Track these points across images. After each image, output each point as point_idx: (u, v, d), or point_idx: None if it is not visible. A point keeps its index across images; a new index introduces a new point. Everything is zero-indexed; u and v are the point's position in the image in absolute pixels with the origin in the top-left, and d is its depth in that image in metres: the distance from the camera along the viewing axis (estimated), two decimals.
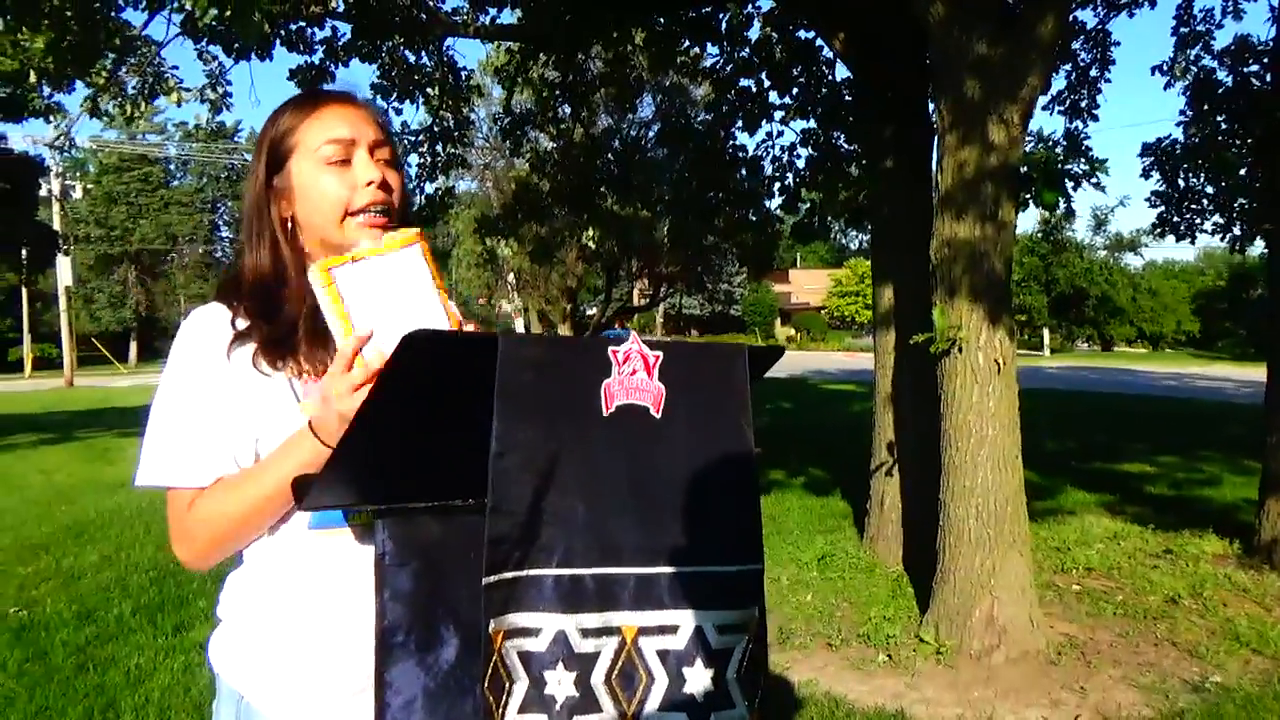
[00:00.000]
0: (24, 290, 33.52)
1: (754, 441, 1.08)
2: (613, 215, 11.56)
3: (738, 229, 11.70)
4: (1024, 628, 3.90)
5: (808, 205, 6.89)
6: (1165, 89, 8.07)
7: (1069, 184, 3.89)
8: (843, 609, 4.54)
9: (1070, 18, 6.69)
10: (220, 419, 1.17)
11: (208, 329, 1.20)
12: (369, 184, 1.24)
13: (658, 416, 1.03)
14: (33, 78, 6.07)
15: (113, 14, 6.23)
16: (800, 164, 7.62)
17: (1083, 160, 3.87)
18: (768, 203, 9.78)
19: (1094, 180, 3.91)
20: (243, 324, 1.20)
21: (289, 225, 1.26)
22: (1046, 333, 38.95)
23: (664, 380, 1.04)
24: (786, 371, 24.08)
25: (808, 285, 51.11)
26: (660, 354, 1.04)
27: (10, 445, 12.00)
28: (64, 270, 30.53)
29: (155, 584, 4.96)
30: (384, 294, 1.11)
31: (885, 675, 3.75)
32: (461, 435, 1.03)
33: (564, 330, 19.40)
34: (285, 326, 1.21)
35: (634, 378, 1.03)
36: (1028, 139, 4.04)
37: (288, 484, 1.11)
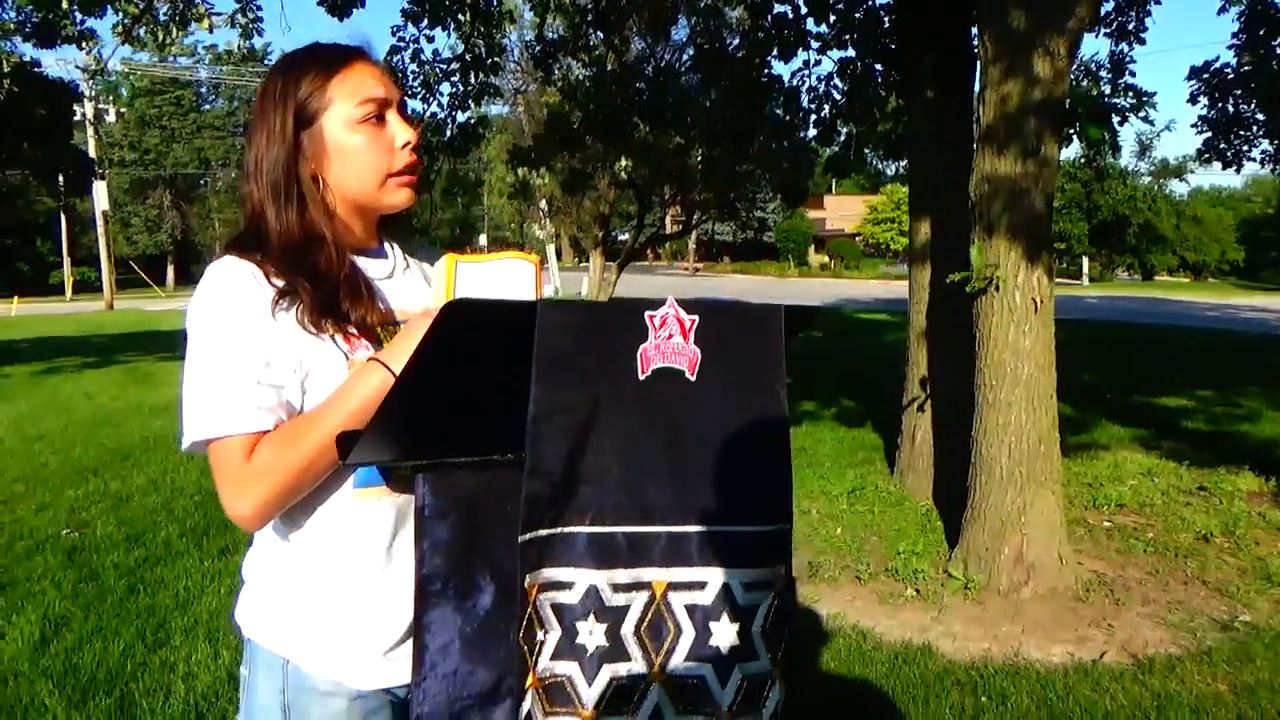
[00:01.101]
0: (62, 214, 33.96)
1: (787, 404, 1.09)
2: (645, 144, 11.42)
3: (771, 159, 11.54)
4: (1053, 565, 3.92)
5: (843, 137, 6.76)
6: (1219, 13, 7.76)
7: (1114, 119, 3.78)
8: (871, 543, 4.59)
9: None
10: (274, 369, 1.13)
11: (245, 285, 1.14)
12: (406, 145, 1.24)
13: (693, 379, 1.04)
14: (64, 4, 6.07)
15: None
16: (836, 95, 7.45)
17: (1129, 95, 3.75)
18: (803, 134, 9.60)
19: (1141, 114, 3.80)
20: (280, 281, 1.16)
21: (318, 183, 1.22)
22: (1086, 261, 38.25)
23: (700, 343, 1.05)
24: (820, 299, 23.94)
25: (842, 212, 50.38)
26: (696, 317, 1.05)
27: (55, 368, 12.30)
28: (100, 194, 30.79)
29: (200, 508, 5.11)
30: (489, 289, 1.16)
31: (913, 609, 3.81)
32: (500, 394, 1.05)
33: (596, 256, 19.35)
34: (328, 287, 1.18)
35: (670, 341, 1.04)
36: (1074, 68, 3.92)
37: (357, 422, 1.09)
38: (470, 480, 1.16)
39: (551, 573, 0.97)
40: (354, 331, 1.18)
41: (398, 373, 1.08)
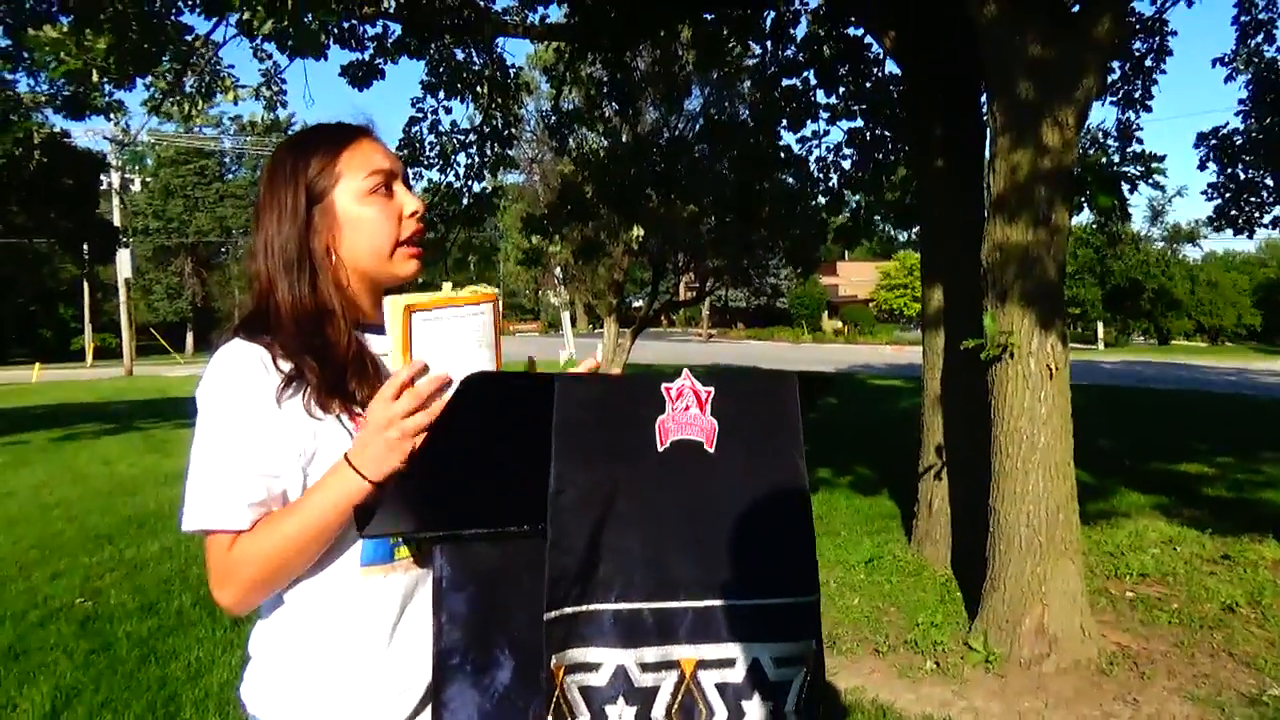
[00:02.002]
0: (86, 282, 34.50)
1: (806, 472, 1.10)
2: (658, 213, 11.56)
3: (781, 228, 11.65)
4: (1075, 636, 3.85)
5: (852, 207, 6.85)
6: (1227, 81, 7.88)
7: (1124, 186, 3.82)
8: (890, 614, 4.53)
9: (1128, 14, 6.55)
10: (270, 463, 1.14)
11: (251, 371, 1.16)
12: (414, 214, 1.28)
13: (711, 451, 1.05)
14: (95, 77, 6.24)
15: (172, 17, 6.39)
16: (846, 165, 7.58)
17: (1138, 162, 3.79)
18: (812, 202, 9.75)
19: (1151, 180, 3.83)
20: (287, 365, 1.17)
21: (330, 257, 1.25)
22: (1101, 326, 38.20)
23: (716, 414, 1.06)
24: (834, 365, 23.91)
25: (855, 278, 50.66)
26: (712, 389, 1.06)
27: (74, 435, 12.37)
28: (124, 262, 31.28)
29: None
30: (448, 342, 1.13)
31: (933, 683, 3.73)
32: (518, 466, 1.06)
33: (610, 323, 19.44)
34: (335, 367, 1.19)
35: (687, 413, 1.05)
36: (1084, 137, 3.97)
37: (328, 519, 1.12)
38: (488, 553, 1.16)
39: (578, 653, 0.96)
40: (359, 411, 1.19)
41: (366, 474, 1.10)
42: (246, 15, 3.91)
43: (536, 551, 1.02)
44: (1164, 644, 4.08)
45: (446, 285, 1.17)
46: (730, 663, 1.00)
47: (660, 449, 1.03)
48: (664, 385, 1.04)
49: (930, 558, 5.29)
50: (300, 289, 1.22)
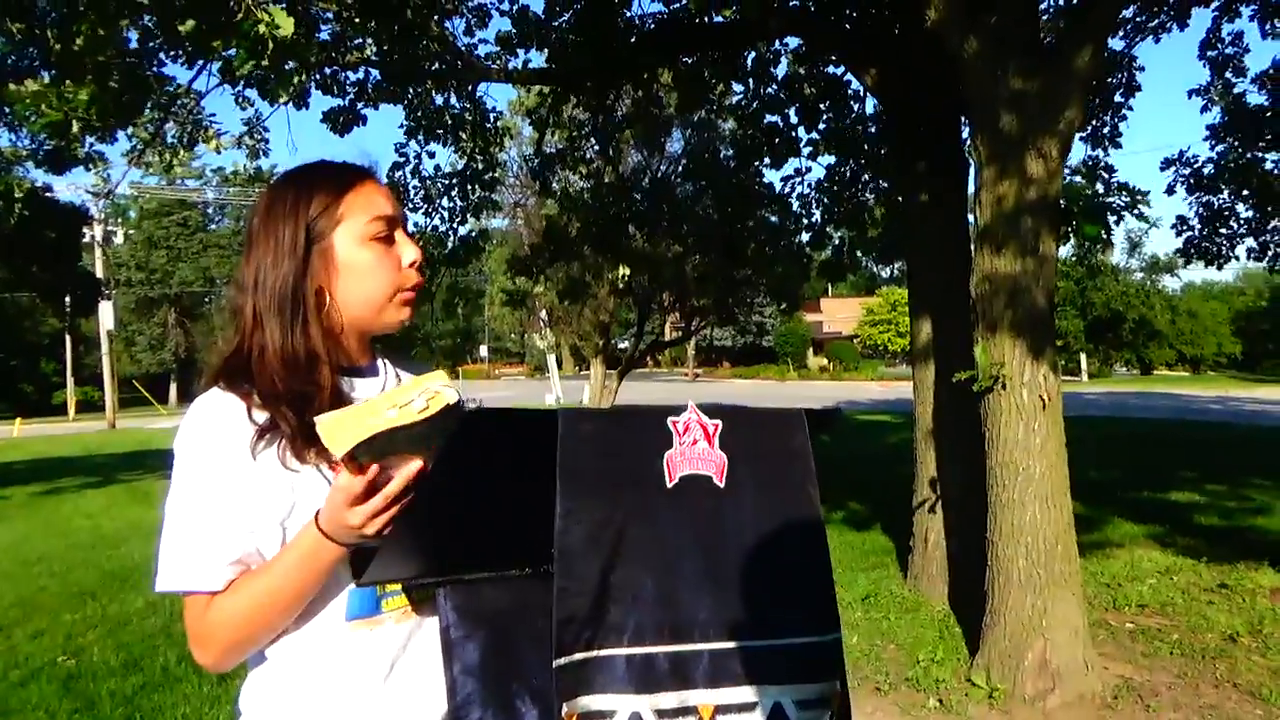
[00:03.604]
0: (68, 336, 34.25)
1: (819, 506, 1.06)
2: (642, 253, 11.61)
3: (765, 265, 11.71)
4: (1078, 670, 3.80)
5: (835, 242, 6.90)
6: (1203, 112, 7.98)
7: (1110, 217, 3.85)
8: (889, 651, 4.46)
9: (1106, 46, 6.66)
10: (246, 519, 1.11)
11: (225, 424, 1.12)
12: (412, 264, 1.24)
13: (721, 485, 1.02)
14: (75, 128, 6.24)
15: (154, 69, 6.41)
16: (827, 201, 7.63)
17: (1124, 193, 3.83)
18: (795, 239, 9.82)
19: (1136, 212, 3.86)
20: (261, 416, 1.12)
21: (324, 300, 1.21)
22: (1084, 357, 38.47)
23: (725, 449, 1.03)
24: (820, 402, 23.93)
25: (839, 314, 50.93)
26: (719, 422, 1.03)
27: (56, 489, 12.19)
28: (106, 314, 31.09)
29: None
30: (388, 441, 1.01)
31: None
32: (522, 506, 1.02)
33: (597, 365, 19.43)
34: (313, 415, 1.11)
35: (695, 447, 1.02)
36: (1066, 170, 4.01)
37: (304, 580, 1.09)
38: (497, 596, 1.12)
39: (590, 700, 0.91)
40: (337, 459, 1.15)
41: (338, 540, 1.06)
42: (231, 54, 3.91)
43: (546, 593, 0.98)
44: (1167, 675, 4.04)
45: (388, 411, 1.02)
46: (750, 707, 0.95)
47: (669, 484, 1.00)
48: (670, 419, 1.01)
49: (928, 593, 5.23)
50: (292, 332, 1.18)
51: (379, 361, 1.32)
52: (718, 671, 0.96)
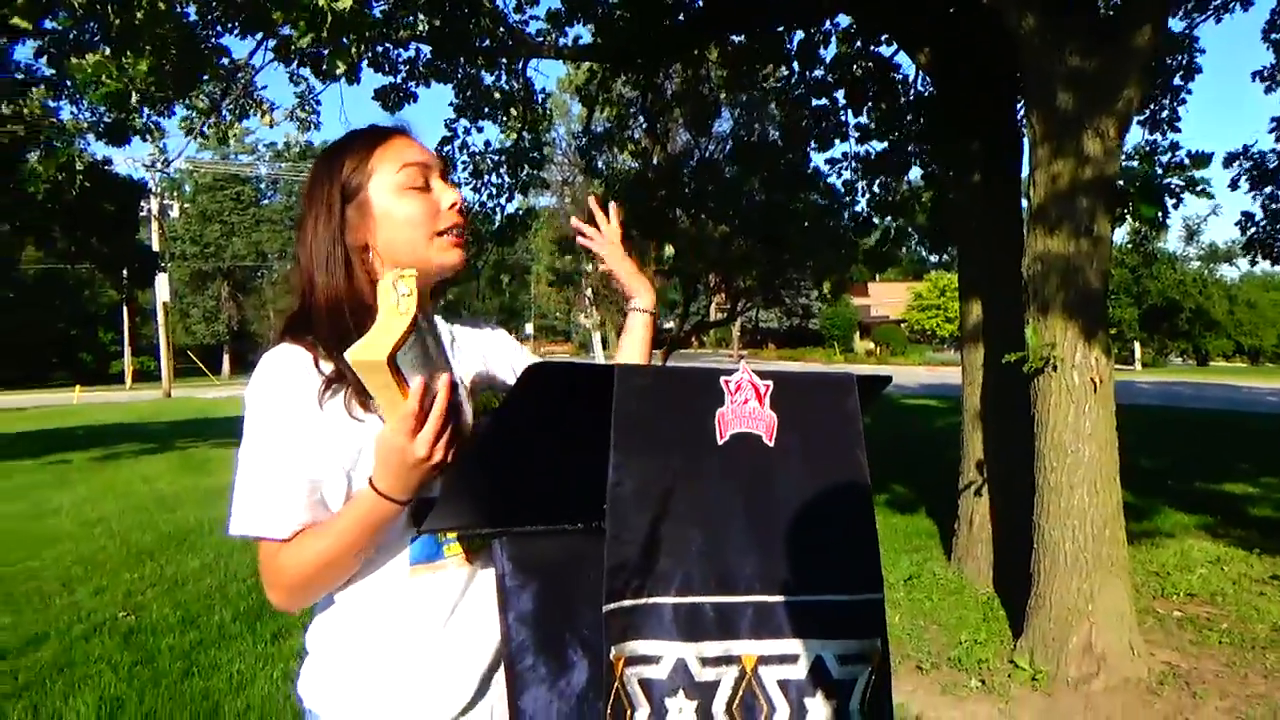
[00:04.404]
0: (125, 306, 35.09)
1: (868, 471, 1.08)
2: (688, 233, 11.57)
3: (809, 250, 11.60)
4: (1124, 655, 3.77)
5: (881, 230, 6.82)
6: (1267, 93, 7.75)
7: (1169, 199, 3.77)
8: (932, 631, 4.46)
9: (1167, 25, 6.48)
10: (313, 468, 1.16)
11: (294, 375, 1.17)
12: (452, 206, 1.27)
13: (771, 444, 1.03)
14: (134, 99, 6.38)
15: (211, 40, 6.53)
16: (875, 188, 7.54)
17: (1181, 174, 3.74)
18: (841, 224, 9.72)
19: (1198, 189, 3.77)
20: (327, 366, 1.17)
21: (368, 254, 1.25)
22: (1138, 347, 37.67)
23: (776, 409, 1.04)
24: None
25: (887, 298, 50.38)
26: (771, 383, 1.05)
27: (114, 454, 12.54)
28: (162, 287, 31.79)
29: (253, 591, 5.12)
30: (424, 359, 1.08)
31: (978, 701, 3.67)
32: (575, 461, 1.05)
33: None
34: None
35: (746, 406, 1.03)
36: (1125, 155, 3.93)
37: (364, 539, 1.14)
38: (550, 549, 1.15)
39: (638, 645, 0.94)
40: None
41: (394, 498, 1.10)
42: (287, 30, 3.98)
43: (598, 547, 1.01)
44: (1215, 664, 3.99)
45: (386, 282, 1.07)
46: (792, 659, 0.97)
47: (720, 442, 1.02)
48: (723, 378, 1.03)
49: (971, 575, 5.21)
50: (335, 282, 1.23)
51: (437, 318, 1.34)
52: (761, 623, 0.98)
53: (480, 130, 8.09)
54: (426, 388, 1.06)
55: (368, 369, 1.05)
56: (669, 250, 11.12)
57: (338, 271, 1.23)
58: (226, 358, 47.96)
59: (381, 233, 1.25)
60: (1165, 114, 7.85)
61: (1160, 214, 3.70)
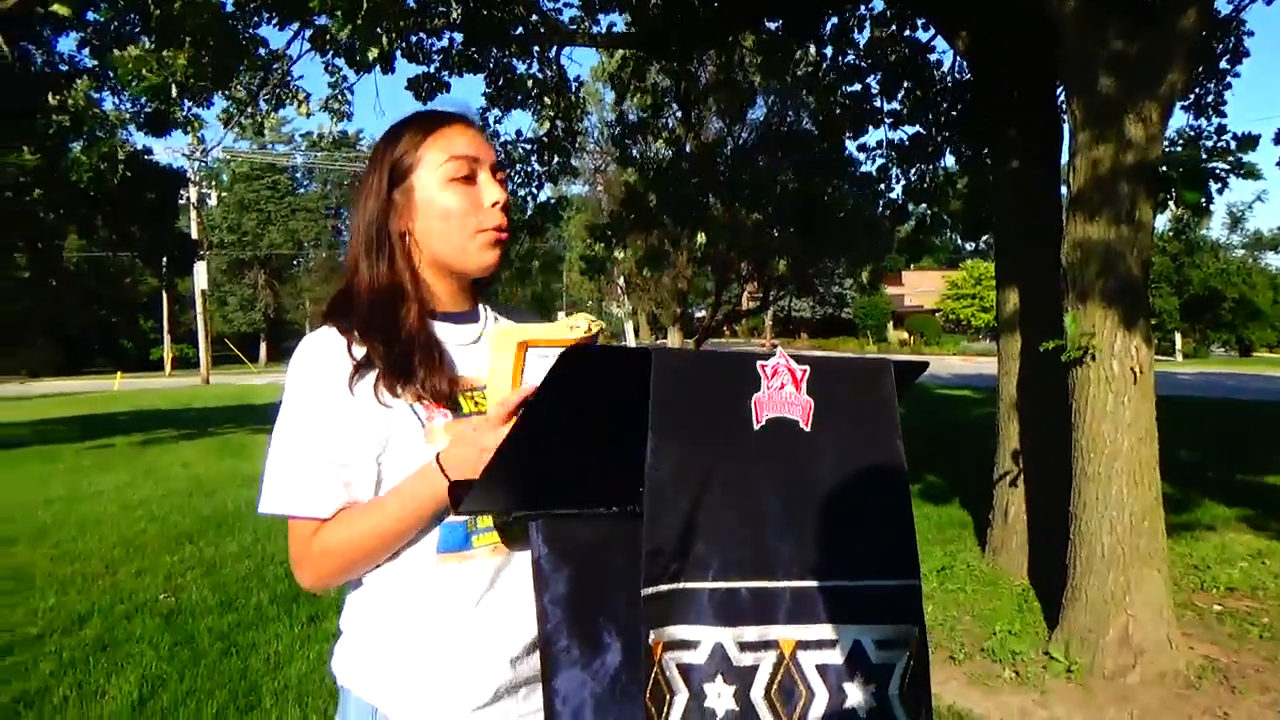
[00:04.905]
0: (164, 294, 35.64)
1: (905, 457, 1.07)
2: (721, 221, 11.54)
3: (843, 239, 11.55)
4: (1161, 648, 3.72)
5: (916, 219, 6.75)
6: None
7: (1213, 184, 3.69)
8: (965, 622, 4.43)
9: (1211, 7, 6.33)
10: (343, 451, 1.17)
11: (327, 358, 1.19)
12: (495, 204, 1.26)
13: (808, 430, 1.03)
14: (174, 92, 6.47)
15: (250, 31, 6.60)
16: (908, 172, 7.45)
17: (1226, 158, 3.66)
18: (876, 212, 9.63)
19: (1243, 172, 3.68)
20: (359, 351, 1.19)
21: (406, 240, 1.26)
22: (1179, 337, 37.03)
23: (812, 394, 1.04)
24: None
25: (921, 288, 49.89)
26: (807, 368, 1.04)
27: (154, 439, 12.77)
28: (200, 275, 32.23)
29: (289, 575, 5.17)
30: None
31: (1012, 692, 3.64)
32: (610, 444, 1.05)
33: (674, 333, 19.45)
34: (403, 351, 1.20)
35: (782, 391, 1.03)
36: (1170, 142, 3.85)
37: (414, 519, 1.15)
38: (585, 533, 1.15)
39: (676, 630, 0.93)
40: (428, 397, 1.20)
41: (453, 478, 1.11)
42: (324, 20, 4.01)
43: (634, 532, 1.01)
44: (1255, 659, 3.93)
45: (562, 316, 1.17)
46: (831, 644, 0.97)
47: (756, 427, 1.01)
48: (759, 362, 1.03)
49: (1006, 567, 5.16)
50: (378, 268, 1.25)
51: (480, 308, 1.36)
52: (799, 608, 0.97)
53: (510, 118, 8.10)
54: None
55: (501, 341, 1.11)
56: (701, 238, 11.09)
57: (382, 259, 1.25)
58: (264, 345, 48.61)
59: (421, 222, 1.25)
60: (1210, 98, 7.66)
61: (1204, 199, 3.63)
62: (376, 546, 1.18)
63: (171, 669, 3.81)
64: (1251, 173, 3.66)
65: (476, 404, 1.23)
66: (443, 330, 1.28)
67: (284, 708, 3.38)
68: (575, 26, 7.71)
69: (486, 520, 1.23)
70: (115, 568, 5.54)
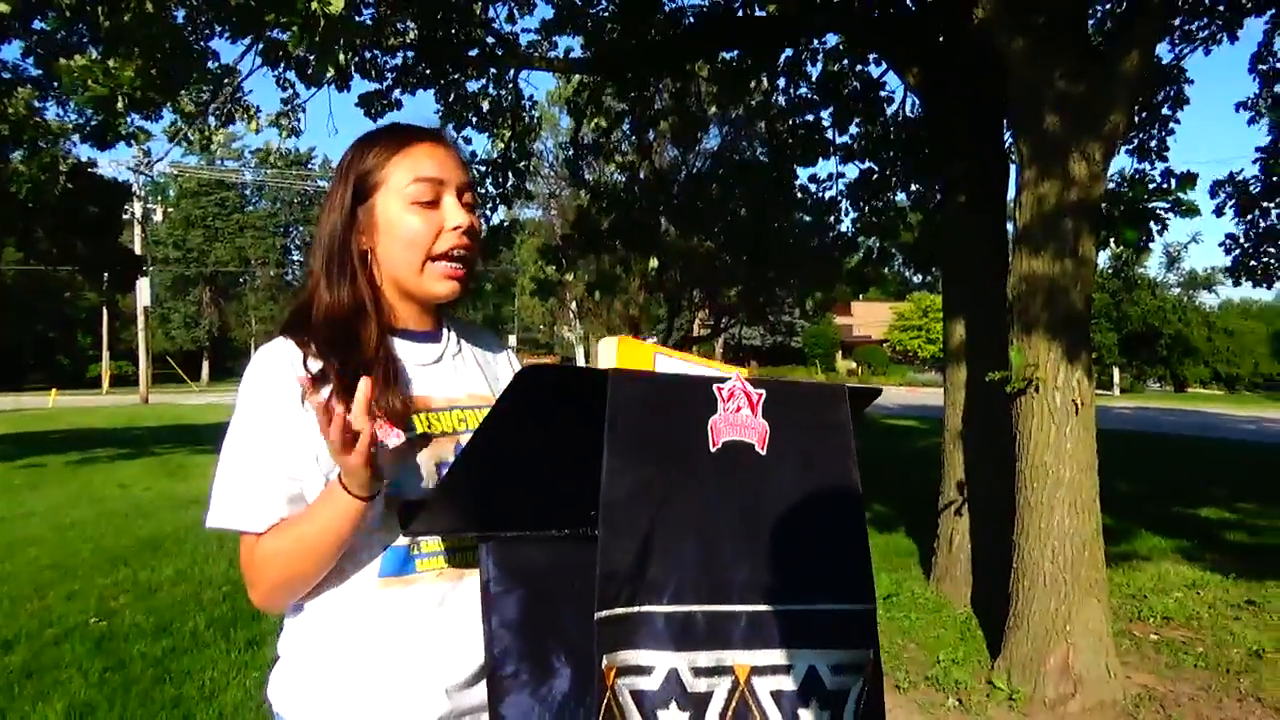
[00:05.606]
0: (104, 310, 34.81)
1: (859, 481, 1.07)
2: (673, 247, 11.61)
3: (792, 268, 11.69)
4: (1100, 677, 3.78)
5: (864, 250, 6.86)
6: (1250, 124, 7.85)
7: (1153, 224, 3.80)
8: (910, 650, 4.46)
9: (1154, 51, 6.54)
10: (292, 465, 1.15)
11: (280, 371, 1.16)
12: (456, 229, 1.23)
13: (763, 453, 1.03)
14: (120, 105, 6.36)
15: (201, 43, 6.50)
16: (861, 205, 7.57)
17: (1165, 197, 3.78)
18: (825, 241, 9.77)
19: (1183, 209, 3.79)
20: (315, 365, 1.16)
21: (368, 258, 1.23)
22: (1116, 372, 37.96)
23: (768, 417, 1.04)
24: None
25: (870, 318, 50.60)
26: (763, 392, 1.04)
27: (90, 459, 12.40)
28: (143, 291, 31.56)
29: (228, 599, 5.06)
30: None
31: None
32: (564, 467, 1.04)
33: None
34: (360, 368, 1.15)
35: (739, 414, 1.03)
36: (1116, 182, 3.96)
37: (333, 530, 1.12)
38: (537, 555, 1.14)
39: (629, 655, 0.92)
40: (382, 416, 1.16)
41: (358, 494, 1.09)
42: (279, 35, 3.97)
43: (586, 555, 1.00)
44: (1190, 687, 4.00)
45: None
46: (786, 669, 0.96)
47: (712, 450, 1.01)
48: (715, 385, 1.03)
49: (950, 595, 5.22)
50: (338, 288, 1.22)
51: (444, 330, 1.33)
52: (754, 633, 0.96)
53: (469, 142, 8.07)
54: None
55: (627, 348, 1.08)
56: (653, 264, 11.13)
57: (343, 279, 1.22)
58: (206, 364, 47.63)
59: (382, 243, 1.23)
60: (1154, 143, 7.92)
61: (1143, 237, 3.73)
62: (307, 560, 1.14)
63: (101, 696, 3.67)
64: (1191, 209, 3.77)
65: (430, 425, 1.21)
66: (403, 349, 1.26)
67: None
68: (532, 50, 7.73)
69: (431, 544, 1.20)
70: (45, 590, 5.36)
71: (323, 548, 1.13)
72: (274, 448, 1.14)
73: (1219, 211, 8.99)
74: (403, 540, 1.17)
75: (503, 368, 1.43)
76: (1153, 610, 5.07)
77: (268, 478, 1.14)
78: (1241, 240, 9.07)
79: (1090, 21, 5.05)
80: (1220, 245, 9.15)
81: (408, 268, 1.23)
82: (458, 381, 1.30)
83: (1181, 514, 8.29)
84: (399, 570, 1.18)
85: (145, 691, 3.74)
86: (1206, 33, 7.28)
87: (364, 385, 1.04)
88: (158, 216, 40.84)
